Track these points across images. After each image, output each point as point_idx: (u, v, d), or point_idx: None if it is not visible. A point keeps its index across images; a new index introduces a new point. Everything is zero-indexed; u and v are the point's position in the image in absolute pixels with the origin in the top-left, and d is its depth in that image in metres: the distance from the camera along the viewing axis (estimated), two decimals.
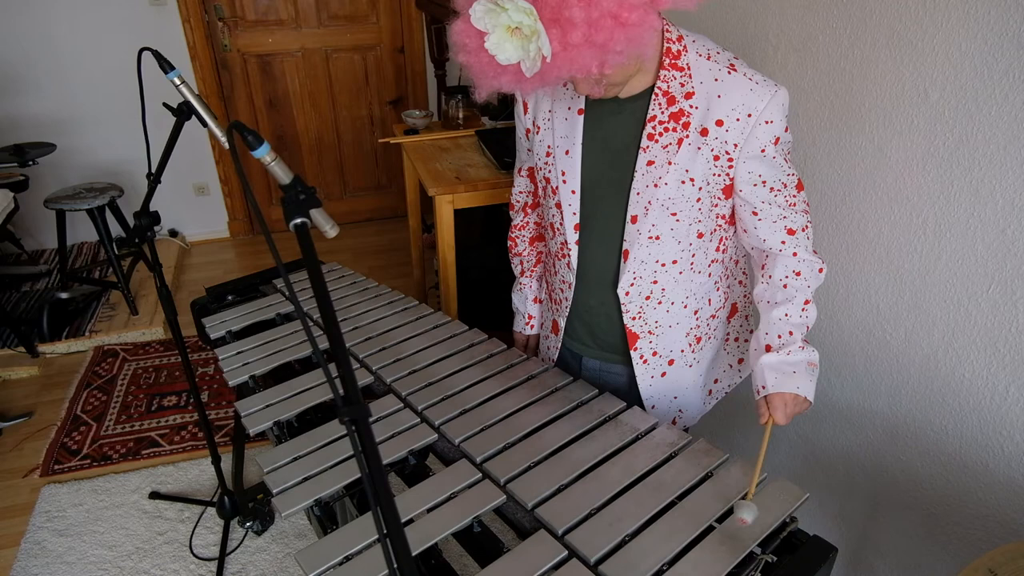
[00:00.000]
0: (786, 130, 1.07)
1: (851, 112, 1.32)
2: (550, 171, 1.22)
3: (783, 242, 1.15)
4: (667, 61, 1.04)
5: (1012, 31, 1.01)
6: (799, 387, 1.12)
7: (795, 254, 1.15)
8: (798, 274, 1.15)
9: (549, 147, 1.21)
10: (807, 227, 1.16)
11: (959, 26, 1.09)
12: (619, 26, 0.84)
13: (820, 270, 1.17)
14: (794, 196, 1.13)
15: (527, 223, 1.47)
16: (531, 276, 1.50)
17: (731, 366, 1.38)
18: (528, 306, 1.52)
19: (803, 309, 1.15)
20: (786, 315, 1.14)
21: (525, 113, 1.25)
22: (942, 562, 1.31)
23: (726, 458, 1.13)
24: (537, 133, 1.23)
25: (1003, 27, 1.03)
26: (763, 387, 1.14)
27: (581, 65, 0.86)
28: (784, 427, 1.69)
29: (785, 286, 1.16)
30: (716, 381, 1.37)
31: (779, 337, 1.15)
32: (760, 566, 0.95)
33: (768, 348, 1.15)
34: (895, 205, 1.27)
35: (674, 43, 1.04)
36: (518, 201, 1.46)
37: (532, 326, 1.54)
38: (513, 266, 1.52)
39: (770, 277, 1.18)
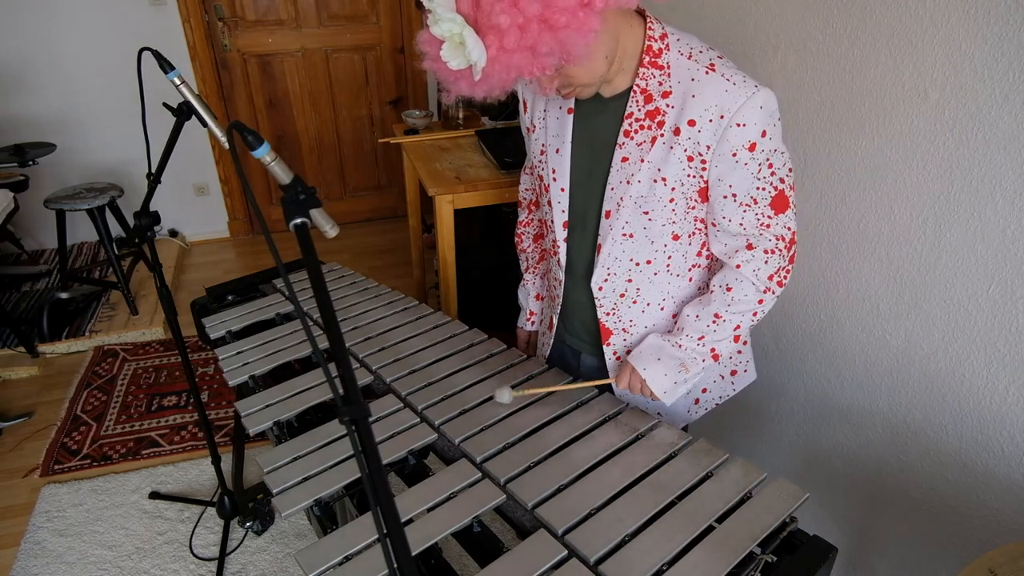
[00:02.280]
0: (764, 135, 1.00)
1: (851, 112, 1.32)
2: (543, 169, 1.22)
3: (736, 251, 1.11)
4: (647, 59, 1.04)
5: (1012, 31, 1.01)
6: (645, 369, 1.18)
7: (739, 267, 1.11)
8: (728, 289, 1.12)
9: (543, 146, 1.21)
10: (773, 252, 1.09)
11: (959, 26, 1.09)
12: (547, 29, 0.85)
13: (759, 300, 1.12)
14: (769, 217, 1.07)
15: (531, 220, 1.48)
16: (534, 273, 1.51)
17: (722, 377, 1.35)
18: (530, 302, 1.53)
19: (713, 320, 1.14)
20: (696, 316, 1.17)
21: (525, 112, 1.26)
22: (942, 562, 1.31)
23: (726, 458, 1.13)
24: (534, 132, 1.24)
25: (1003, 27, 1.03)
26: (629, 351, 1.23)
27: (519, 68, 0.88)
28: (784, 427, 1.69)
29: (711, 291, 1.16)
30: (704, 391, 1.34)
31: (678, 328, 1.19)
32: (760, 566, 0.95)
33: (668, 332, 1.21)
34: (895, 205, 1.27)
35: (656, 41, 1.03)
36: (524, 198, 1.47)
37: (533, 322, 1.55)
38: (520, 262, 1.53)
39: (707, 282, 1.20)
